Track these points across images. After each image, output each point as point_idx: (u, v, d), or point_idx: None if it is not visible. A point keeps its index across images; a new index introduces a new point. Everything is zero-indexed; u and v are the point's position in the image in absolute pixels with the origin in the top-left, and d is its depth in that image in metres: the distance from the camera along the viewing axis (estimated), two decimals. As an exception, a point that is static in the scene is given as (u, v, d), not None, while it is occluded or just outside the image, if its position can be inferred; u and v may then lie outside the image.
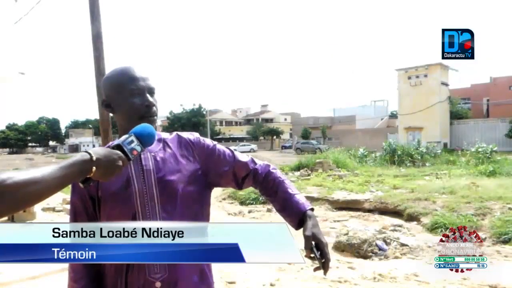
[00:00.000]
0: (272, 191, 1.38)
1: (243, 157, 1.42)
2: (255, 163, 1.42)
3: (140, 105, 1.26)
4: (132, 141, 1.08)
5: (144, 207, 1.22)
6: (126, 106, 1.27)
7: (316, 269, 1.21)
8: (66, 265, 1.28)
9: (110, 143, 1.33)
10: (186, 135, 1.39)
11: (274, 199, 1.38)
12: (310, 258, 1.20)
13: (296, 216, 1.30)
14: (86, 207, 1.28)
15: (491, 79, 35.39)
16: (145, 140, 1.11)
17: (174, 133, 1.40)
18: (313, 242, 1.19)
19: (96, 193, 1.23)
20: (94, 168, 0.96)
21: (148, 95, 1.28)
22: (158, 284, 1.22)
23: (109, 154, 1.01)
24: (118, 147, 1.06)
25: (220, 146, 1.41)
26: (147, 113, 1.27)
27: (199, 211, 1.32)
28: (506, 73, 38.24)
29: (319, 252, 1.19)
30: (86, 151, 0.99)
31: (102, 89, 1.34)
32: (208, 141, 1.40)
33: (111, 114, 1.37)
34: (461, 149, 22.78)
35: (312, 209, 1.31)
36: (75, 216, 1.29)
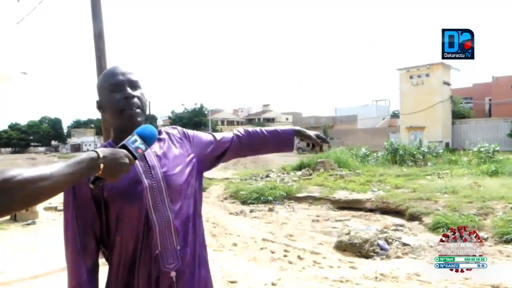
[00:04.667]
0: (259, 138, 1.58)
1: (221, 134, 1.56)
2: (232, 133, 1.57)
3: (120, 99, 1.28)
4: (135, 140, 1.11)
5: (155, 200, 1.25)
6: (108, 102, 1.30)
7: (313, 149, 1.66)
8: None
9: (105, 143, 1.35)
10: (171, 130, 1.45)
11: (264, 142, 1.59)
12: (315, 145, 1.64)
13: (291, 135, 1.61)
14: (87, 209, 1.24)
15: (493, 79, 35.28)
16: (148, 139, 1.14)
17: (161, 130, 1.44)
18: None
19: (102, 194, 1.23)
20: (101, 165, 0.98)
21: (128, 88, 1.29)
22: (173, 273, 1.26)
23: (115, 152, 1.03)
24: (123, 146, 1.08)
25: (200, 133, 1.52)
26: (126, 105, 1.28)
27: (196, 199, 1.39)
28: (508, 73, 38.14)
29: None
30: (93, 150, 1.01)
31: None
32: (190, 130, 1.48)
33: None
34: (463, 148, 22.75)
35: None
36: (76, 217, 1.24)
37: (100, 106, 1.35)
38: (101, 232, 1.27)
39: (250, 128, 1.61)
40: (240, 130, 1.59)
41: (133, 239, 1.24)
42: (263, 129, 1.62)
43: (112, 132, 1.34)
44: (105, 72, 1.35)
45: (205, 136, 1.50)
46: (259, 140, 1.58)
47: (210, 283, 1.42)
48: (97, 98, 1.36)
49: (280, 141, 1.61)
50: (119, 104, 1.28)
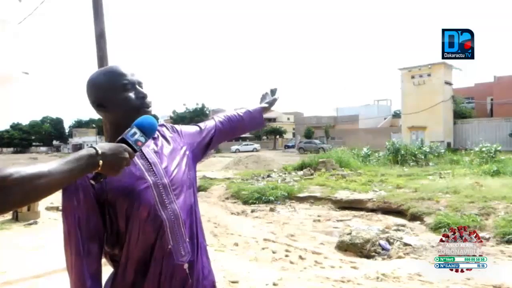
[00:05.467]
0: (237, 119, 1.71)
1: (204, 123, 1.64)
2: (215, 120, 1.68)
3: (135, 98, 1.29)
4: (135, 133, 1.09)
5: (161, 197, 1.27)
6: (121, 101, 1.28)
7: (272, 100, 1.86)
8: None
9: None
10: (160, 127, 1.47)
11: (241, 122, 1.72)
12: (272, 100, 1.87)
13: (260, 113, 1.80)
14: (92, 213, 1.22)
15: (495, 78, 35.14)
16: (147, 130, 1.12)
17: None
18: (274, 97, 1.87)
19: (106, 196, 1.22)
20: (101, 162, 0.97)
21: (139, 88, 1.32)
22: (186, 265, 1.29)
23: (114, 147, 1.02)
24: (122, 140, 1.07)
25: (186, 126, 1.58)
26: (143, 104, 1.30)
27: (194, 189, 1.43)
28: (510, 72, 37.99)
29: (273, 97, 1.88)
30: (92, 146, 1.00)
31: (90, 92, 1.31)
32: (177, 126, 1.53)
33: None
34: (464, 148, 22.69)
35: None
36: (79, 222, 1.20)
37: (99, 104, 1.30)
38: (107, 234, 1.26)
39: (227, 113, 1.73)
40: (219, 115, 1.70)
41: (146, 237, 1.24)
42: (237, 111, 1.75)
43: (112, 130, 1.31)
44: (107, 71, 1.32)
45: (191, 128, 1.57)
46: (237, 121, 1.71)
47: (212, 269, 1.46)
48: (92, 98, 1.31)
49: (253, 120, 1.77)
50: (136, 103, 1.29)
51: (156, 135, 1.40)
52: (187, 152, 1.45)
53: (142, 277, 1.25)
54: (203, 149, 1.56)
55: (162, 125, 1.49)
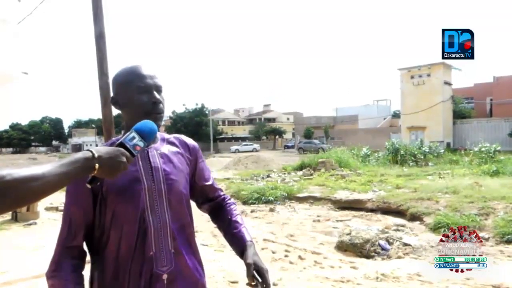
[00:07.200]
0: (229, 220, 1.52)
1: (216, 184, 1.57)
2: (222, 191, 1.59)
3: (147, 102, 1.29)
4: (133, 137, 1.09)
5: (153, 202, 1.26)
6: (133, 103, 1.30)
7: None
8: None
9: (110, 141, 1.35)
10: (186, 138, 1.47)
11: (228, 228, 1.52)
12: (251, 285, 1.37)
13: (241, 245, 1.45)
14: (85, 198, 1.24)
15: (494, 78, 35.17)
16: (147, 135, 1.12)
17: (174, 134, 1.47)
18: (254, 271, 1.39)
19: (101, 189, 1.23)
20: (97, 165, 0.96)
21: (155, 93, 1.31)
22: (165, 276, 1.25)
23: (111, 151, 1.01)
24: (121, 144, 1.07)
25: (206, 164, 1.53)
26: (153, 109, 1.30)
27: (191, 210, 1.39)
28: (510, 72, 38.05)
29: (260, 278, 1.39)
30: (88, 149, 0.99)
31: (112, 86, 1.38)
32: (200, 153, 1.50)
33: (113, 114, 1.38)
34: (464, 148, 22.72)
35: (251, 241, 1.46)
36: (76, 204, 1.25)
37: (115, 102, 1.36)
38: (93, 225, 1.27)
39: (235, 207, 1.58)
40: (230, 201, 1.59)
41: (128, 238, 1.23)
42: (238, 221, 1.52)
43: (125, 130, 1.32)
44: (129, 71, 1.34)
45: (207, 166, 1.53)
46: (224, 222, 1.54)
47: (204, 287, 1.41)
48: (112, 94, 1.37)
49: (234, 243, 1.50)
50: (146, 107, 1.29)
51: (172, 141, 1.41)
52: (191, 176, 1.43)
53: (125, 276, 1.24)
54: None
55: (195, 145, 1.49)
